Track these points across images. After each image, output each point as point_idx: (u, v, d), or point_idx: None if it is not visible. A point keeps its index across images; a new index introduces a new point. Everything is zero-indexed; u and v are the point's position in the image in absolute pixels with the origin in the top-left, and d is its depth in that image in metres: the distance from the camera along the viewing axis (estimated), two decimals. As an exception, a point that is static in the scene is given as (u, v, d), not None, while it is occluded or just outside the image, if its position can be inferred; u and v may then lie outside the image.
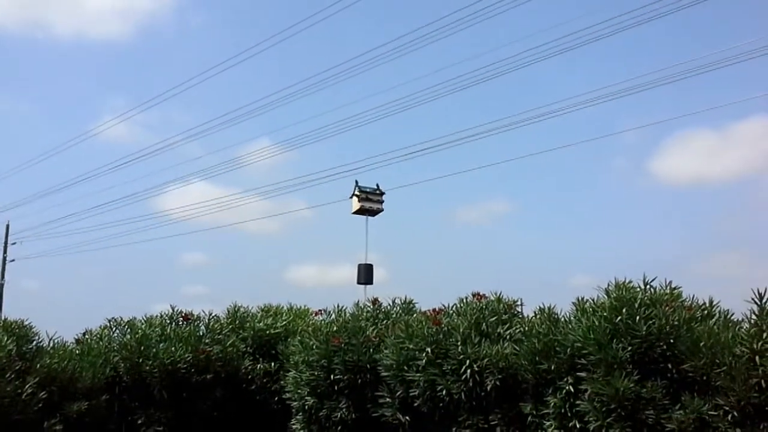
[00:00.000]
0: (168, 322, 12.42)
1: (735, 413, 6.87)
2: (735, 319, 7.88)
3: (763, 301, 7.40)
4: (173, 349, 11.25)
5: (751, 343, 7.00)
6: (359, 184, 17.35)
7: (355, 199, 17.24)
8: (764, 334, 6.98)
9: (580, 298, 8.80)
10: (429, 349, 9.21)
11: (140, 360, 11.28)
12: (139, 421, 11.29)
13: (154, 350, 11.30)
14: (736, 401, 6.86)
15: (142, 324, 12.31)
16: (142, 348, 11.38)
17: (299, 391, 10.63)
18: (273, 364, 12.06)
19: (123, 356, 11.44)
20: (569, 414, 7.91)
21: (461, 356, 8.87)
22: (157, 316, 12.65)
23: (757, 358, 6.90)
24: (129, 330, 12.33)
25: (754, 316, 7.46)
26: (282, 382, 11.45)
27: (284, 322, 12.62)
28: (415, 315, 10.57)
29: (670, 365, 7.61)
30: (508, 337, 9.09)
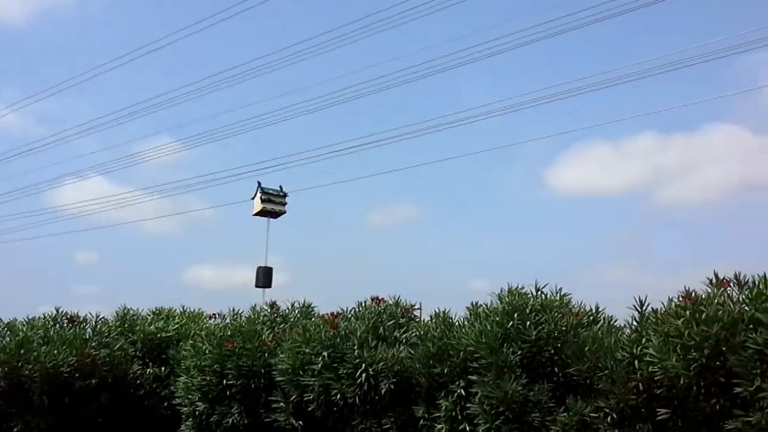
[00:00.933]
0: (51, 324, 11.81)
1: (614, 415, 7.16)
2: (618, 325, 8.23)
3: (643, 308, 7.77)
4: (56, 352, 10.69)
5: (632, 348, 7.32)
6: (262, 186, 17.06)
7: (257, 200, 16.93)
8: (644, 340, 7.31)
9: (474, 303, 8.97)
10: (326, 353, 9.14)
11: (20, 364, 10.66)
12: (15, 429, 10.66)
13: (35, 353, 10.70)
14: (616, 403, 7.14)
15: (23, 326, 11.65)
16: (22, 351, 10.76)
17: (190, 396, 10.32)
18: (163, 368, 11.66)
19: (0, 360, 10.76)
20: (460, 417, 8.03)
21: (357, 360, 8.84)
22: (40, 317, 12.01)
23: (636, 362, 7.21)
24: (8, 332, 11.65)
25: (635, 323, 7.82)
26: (172, 387, 11.10)
27: (176, 326, 12.23)
28: (313, 319, 10.47)
29: (556, 369, 7.86)
30: (404, 341, 9.15)
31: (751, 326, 6.60)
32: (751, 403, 6.40)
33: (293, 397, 9.37)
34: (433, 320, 9.34)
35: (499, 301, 8.66)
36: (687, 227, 29.55)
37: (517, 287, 8.67)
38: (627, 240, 29.49)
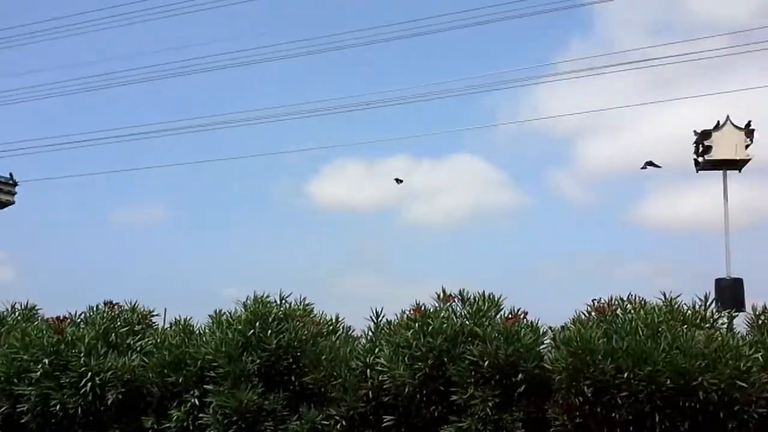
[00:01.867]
0: None
1: (344, 422, 7.40)
2: (355, 335, 8.54)
3: (379, 319, 8.16)
4: None
5: (365, 357, 7.63)
6: (-13, 173, 15.28)
7: (-20, 188, 15.11)
8: (377, 350, 7.67)
9: (217, 311, 8.78)
10: (47, 361, 8.34)
11: None
12: None
13: None
14: (346, 411, 7.39)
15: None
16: None
17: None
18: None
19: None
20: (191, 427, 7.78)
21: (83, 368, 8.18)
22: None
23: (368, 371, 7.53)
24: None
25: (370, 333, 8.18)
26: None
27: None
28: (36, 323, 9.50)
29: (293, 378, 7.94)
30: (138, 348, 8.65)
31: (470, 339, 7.23)
32: (465, 410, 6.98)
33: (4, 408, 8.42)
34: (173, 328, 8.97)
35: (243, 309, 8.55)
36: (429, 245, 31.88)
37: (262, 295, 8.63)
38: (376, 253, 31.05)
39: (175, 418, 7.87)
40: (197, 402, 7.85)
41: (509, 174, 31.15)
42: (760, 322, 7.21)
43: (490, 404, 6.84)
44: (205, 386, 7.90)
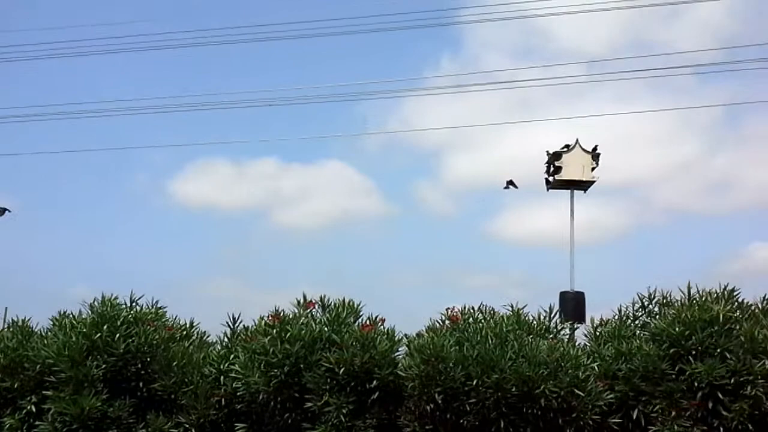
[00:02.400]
0: None
1: (194, 430, 7.19)
2: (210, 341, 8.32)
3: (236, 324, 7.99)
4: None
5: (219, 363, 7.45)
6: None
7: None
8: (232, 356, 7.50)
9: (61, 312, 8.26)
10: None
11: None
12: None
13: None
14: (197, 418, 7.18)
15: None
16: None
17: None
18: None
19: None
20: (26, 436, 7.26)
21: None
22: None
23: (222, 377, 7.36)
24: None
25: (226, 339, 7.99)
26: None
27: None
28: None
29: (142, 384, 7.61)
30: (-31, 351, 7.96)
31: (328, 346, 7.23)
32: (319, 417, 6.97)
33: None
34: (10, 329, 8.34)
35: (90, 311, 8.09)
36: (296, 249, 31.67)
37: (111, 297, 8.20)
38: (241, 257, 30.43)
39: (7, 426, 7.33)
40: (34, 409, 7.35)
41: (377, 182, 31.62)
42: (597, 333, 7.72)
43: (344, 411, 6.87)
44: (44, 392, 7.41)
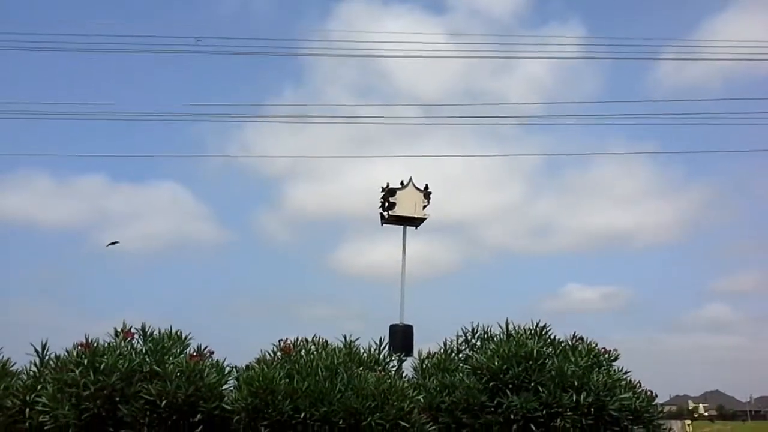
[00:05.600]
0: None
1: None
2: (15, 370, 7.58)
3: (44, 353, 7.34)
4: None
5: (25, 395, 6.82)
6: None
7: None
8: (39, 387, 6.88)
9: None
10: None
11: None
12: None
13: None
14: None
15: None
16: None
17: None
18: None
19: None
20: None
21: None
22: None
23: (27, 410, 6.74)
24: None
25: (34, 368, 7.33)
26: None
27: None
28: None
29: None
30: None
31: (149, 377, 6.82)
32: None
33: None
34: None
35: None
36: (123, 273, 29.87)
37: None
38: (58, 278, 28.19)
39: None
40: None
41: (213, 207, 30.78)
42: (423, 366, 7.94)
43: (164, 445, 6.50)
44: None
